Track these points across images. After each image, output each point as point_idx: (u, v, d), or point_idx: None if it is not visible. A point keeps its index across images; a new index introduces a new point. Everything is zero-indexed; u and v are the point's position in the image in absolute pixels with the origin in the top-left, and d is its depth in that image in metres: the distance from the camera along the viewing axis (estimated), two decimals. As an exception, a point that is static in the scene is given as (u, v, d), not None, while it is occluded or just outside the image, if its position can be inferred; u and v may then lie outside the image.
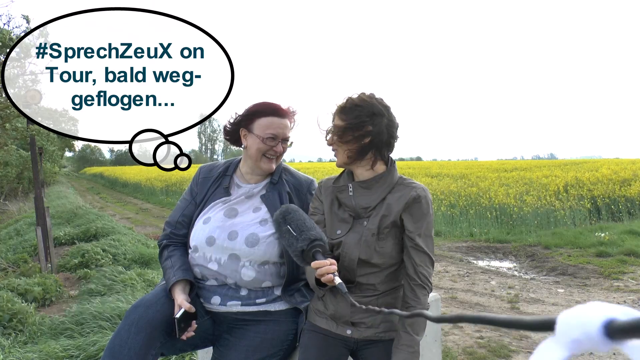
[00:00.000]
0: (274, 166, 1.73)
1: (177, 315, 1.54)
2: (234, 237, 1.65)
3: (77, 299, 4.71)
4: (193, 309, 1.56)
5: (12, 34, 4.88)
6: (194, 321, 1.58)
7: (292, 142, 1.80)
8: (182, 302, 1.55)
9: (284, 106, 1.72)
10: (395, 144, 1.54)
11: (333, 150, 1.54)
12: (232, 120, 1.76)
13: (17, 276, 5.26)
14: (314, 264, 1.35)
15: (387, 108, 1.50)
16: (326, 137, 1.54)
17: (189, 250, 1.74)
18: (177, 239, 1.77)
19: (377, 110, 1.47)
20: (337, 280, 1.33)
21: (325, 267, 1.33)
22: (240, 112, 1.75)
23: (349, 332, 1.55)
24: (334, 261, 1.37)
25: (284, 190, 1.74)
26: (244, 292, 1.67)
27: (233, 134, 1.77)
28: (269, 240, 1.64)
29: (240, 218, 1.69)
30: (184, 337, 1.55)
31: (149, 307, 1.58)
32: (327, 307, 1.57)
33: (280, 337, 1.64)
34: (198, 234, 1.70)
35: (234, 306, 1.65)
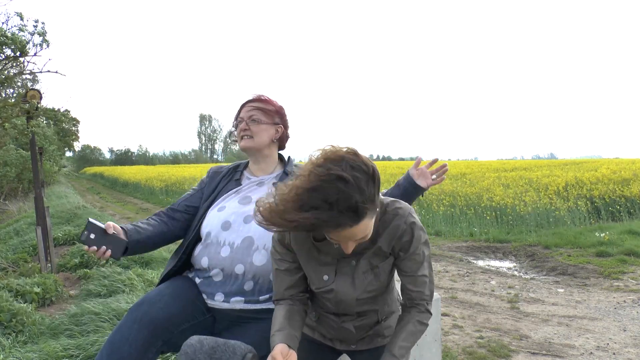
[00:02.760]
0: (248, 144, 1.82)
1: (92, 219, 1.60)
2: (249, 220, 1.68)
3: (77, 299, 4.71)
4: (112, 230, 1.61)
5: (8, 32, 4.87)
6: (108, 249, 1.60)
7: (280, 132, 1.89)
8: (110, 222, 1.64)
9: (255, 96, 1.89)
10: None
11: None
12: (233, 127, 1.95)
13: (17, 276, 5.25)
14: None
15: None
16: None
17: (198, 242, 1.77)
18: (171, 213, 1.87)
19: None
20: None
21: None
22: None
23: (353, 346, 1.51)
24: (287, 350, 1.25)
25: None
26: (248, 286, 1.65)
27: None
28: None
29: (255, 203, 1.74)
30: (86, 247, 1.59)
31: (153, 304, 1.58)
32: (326, 332, 1.52)
33: None
34: (212, 221, 1.74)
35: (237, 303, 1.65)
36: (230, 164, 2.01)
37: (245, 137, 1.83)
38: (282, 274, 1.41)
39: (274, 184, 1.79)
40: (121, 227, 1.70)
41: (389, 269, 1.37)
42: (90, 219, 1.60)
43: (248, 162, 1.94)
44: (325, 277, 1.36)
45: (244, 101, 1.90)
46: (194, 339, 1.30)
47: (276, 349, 1.26)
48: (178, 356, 1.28)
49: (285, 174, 1.83)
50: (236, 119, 1.90)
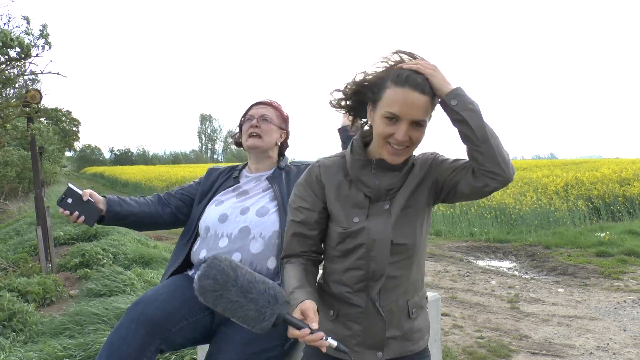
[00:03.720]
0: (256, 142, 1.85)
1: (72, 185, 1.65)
2: (245, 212, 1.75)
3: (77, 298, 4.71)
4: (87, 196, 1.67)
5: (11, 34, 4.88)
6: (82, 216, 1.66)
7: (285, 138, 1.97)
8: (88, 190, 1.71)
9: (265, 99, 1.95)
10: None
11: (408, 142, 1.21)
12: (238, 126, 1.99)
13: (17, 276, 5.26)
14: (295, 335, 1.08)
15: None
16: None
17: (197, 238, 1.81)
18: (166, 197, 1.92)
19: None
20: (334, 342, 1.08)
21: (314, 336, 1.07)
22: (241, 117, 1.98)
23: (379, 354, 1.29)
24: (314, 318, 1.10)
25: (292, 172, 1.87)
26: None
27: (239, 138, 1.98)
28: (280, 211, 1.74)
29: (251, 197, 1.81)
30: (61, 210, 1.63)
31: (149, 303, 1.59)
32: (348, 331, 1.29)
33: (278, 331, 1.63)
34: (210, 215, 1.79)
35: None
36: (229, 164, 2.06)
37: (254, 135, 1.86)
38: (296, 227, 1.31)
39: (267, 178, 1.85)
40: (105, 196, 1.76)
41: (422, 210, 1.30)
42: (70, 185, 1.67)
43: (246, 164, 1.99)
44: (356, 219, 1.26)
45: (253, 102, 1.95)
46: (224, 262, 1.06)
47: (307, 304, 1.12)
48: (201, 276, 1.05)
49: (279, 169, 1.89)
50: (244, 117, 1.93)
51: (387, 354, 1.29)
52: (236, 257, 1.68)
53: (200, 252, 1.75)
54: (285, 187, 1.80)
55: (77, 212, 1.66)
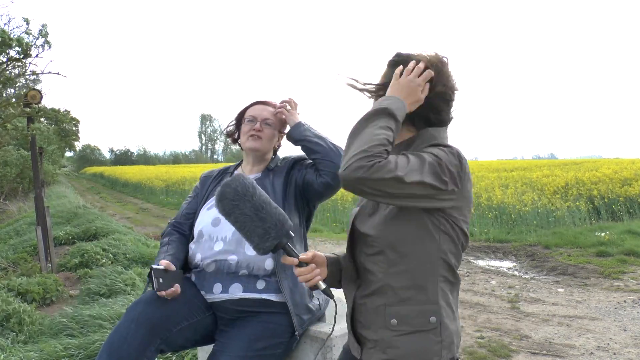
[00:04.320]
0: (257, 145, 1.84)
1: (154, 265, 1.60)
2: None
3: (77, 298, 4.71)
4: (173, 267, 1.62)
5: (11, 35, 4.89)
6: (177, 284, 1.60)
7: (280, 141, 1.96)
8: (164, 261, 1.63)
9: (267, 99, 1.94)
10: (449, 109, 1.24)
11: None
12: (231, 124, 1.98)
13: (17, 276, 5.26)
14: (297, 271, 1.18)
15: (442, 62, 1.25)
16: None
17: (191, 242, 1.79)
18: (180, 228, 1.87)
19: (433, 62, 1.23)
20: (322, 284, 1.18)
21: (304, 269, 1.17)
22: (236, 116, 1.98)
23: (357, 347, 1.25)
24: (308, 254, 1.19)
25: (277, 170, 1.87)
26: (243, 274, 1.68)
27: (234, 134, 1.98)
28: None
29: None
30: (163, 292, 1.57)
31: (149, 303, 1.59)
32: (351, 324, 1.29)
33: (282, 328, 1.64)
34: (203, 219, 1.78)
35: (237, 291, 1.66)
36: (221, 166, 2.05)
37: (256, 137, 1.84)
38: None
39: (256, 180, 1.82)
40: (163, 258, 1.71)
41: (410, 212, 1.15)
42: (153, 266, 1.61)
43: (239, 164, 1.97)
44: (355, 209, 1.30)
45: (256, 100, 1.94)
46: (247, 180, 1.18)
47: (310, 251, 1.23)
48: (224, 184, 1.18)
49: (267, 170, 1.87)
50: (242, 115, 1.92)
51: (366, 355, 1.21)
52: (232, 259, 1.67)
53: (195, 255, 1.74)
54: (271, 187, 1.79)
55: (176, 285, 1.62)
